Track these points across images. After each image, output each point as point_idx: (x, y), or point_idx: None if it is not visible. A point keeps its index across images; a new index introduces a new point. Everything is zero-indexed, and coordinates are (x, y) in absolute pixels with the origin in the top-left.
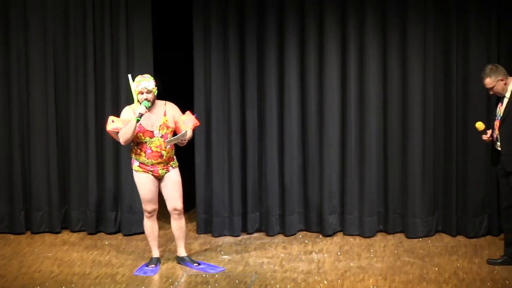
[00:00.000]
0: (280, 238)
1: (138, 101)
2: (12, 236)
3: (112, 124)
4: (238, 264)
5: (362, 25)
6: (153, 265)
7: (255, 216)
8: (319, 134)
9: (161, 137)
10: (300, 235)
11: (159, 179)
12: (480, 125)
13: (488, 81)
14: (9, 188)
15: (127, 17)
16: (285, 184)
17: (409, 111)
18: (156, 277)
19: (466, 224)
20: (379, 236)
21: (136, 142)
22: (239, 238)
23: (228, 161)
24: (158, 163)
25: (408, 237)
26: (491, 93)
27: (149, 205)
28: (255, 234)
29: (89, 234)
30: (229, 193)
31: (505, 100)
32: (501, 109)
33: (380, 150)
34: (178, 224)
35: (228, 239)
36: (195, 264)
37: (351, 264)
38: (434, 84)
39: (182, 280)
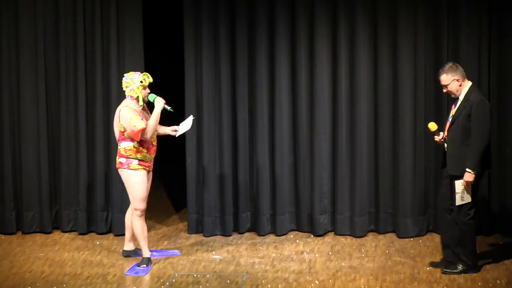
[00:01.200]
0: (271, 238)
1: (142, 97)
2: (3, 236)
3: (139, 124)
4: (229, 264)
5: (352, 24)
6: (144, 265)
7: (246, 216)
8: (310, 134)
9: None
10: (291, 235)
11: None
12: (432, 126)
13: (444, 78)
14: (0, 188)
15: (118, 16)
16: (276, 184)
17: (400, 111)
18: (147, 277)
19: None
20: (370, 236)
21: (140, 141)
22: (230, 238)
23: (219, 161)
24: (153, 158)
25: (399, 237)
26: (444, 91)
27: (143, 203)
28: (246, 234)
29: (80, 234)
30: (220, 193)
31: (458, 103)
32: (453, 111)
33: (371, 150)
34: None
35: (219, 239)
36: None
37: (342, 264)
38: (425, 83)
39: (173, 280)
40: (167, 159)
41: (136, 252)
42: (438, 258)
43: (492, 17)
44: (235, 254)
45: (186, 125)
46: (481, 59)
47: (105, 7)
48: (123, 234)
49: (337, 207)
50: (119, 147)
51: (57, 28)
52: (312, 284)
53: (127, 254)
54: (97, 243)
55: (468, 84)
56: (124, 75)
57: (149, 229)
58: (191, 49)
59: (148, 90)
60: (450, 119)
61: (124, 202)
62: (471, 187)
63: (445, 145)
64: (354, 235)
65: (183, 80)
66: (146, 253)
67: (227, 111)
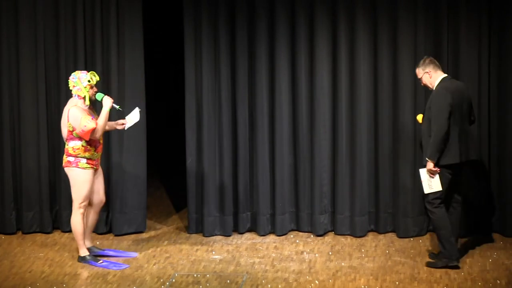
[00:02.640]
0: (271, 238)
1: (89, 96)
2: (3, 236)
3: (89, 124)
4: (229, 264)
5: (352, 24)
6: (101, 261)
7: (246, 215)
8: (310, 133)
9: None
10: (291, 235)
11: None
12: (420, 118)
13: (417, 72)
14: (0, 188)
15: (118, 16)
16: (276, 184)
17: (400, 110)
18: (147, 277)
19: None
20: (370, 236)
21: (89, 139)
22: (230, 237)
23: (219, 161)
24: (100, 156)
25: (399, 236)
26: (422, 84)
27: (87, 201)
28: (246, 234)
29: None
30: (220, 193)
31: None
32: None
33: (371, 150)
34: (97, 218)
35: (219, 238)
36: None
37: (342, 264)
38: None
39: (173, 280)
40: (168, 158)
41: (92, 250)
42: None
43: (492, 17)
44: (235, 254)
45: (133, 118)
46: (481, 59)
47: (105, 7)
48: (123, 234)
49: (337, 207)
50: (66, 146)
51: (57, 28)
52: (312, 284)
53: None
54: (97, 243)
55: (440, 76)
56: (72, 74)
57: (149, 229)
58: (191, 49)
59: (95, 89)
60: None
61: (125, 202)
62: (439, 177)
63: None
64: (354, 235)
65: (183, 80)
66: (82, 252)
67: (227, 111)
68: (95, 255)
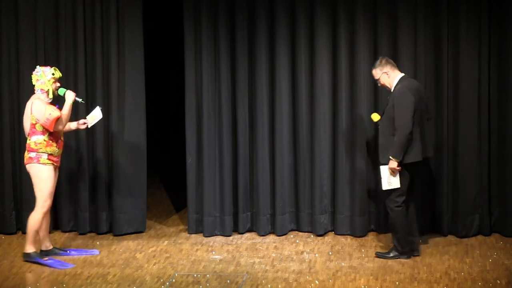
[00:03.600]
0: (271, 238)
1: (52, 90)
2: (3, 236)
3: (54, 112)
4: (229, 264)
5: (352, 24)
6: (45, 258)
7: (246, 216)
8: (310, 133)
9: None
10: (291, 235)
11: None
12: (375, 117)
13: (374, 72)
14: (0, 188)
15: (118, 15)
16: (276, 184)
17: None
18: (147, 277)
19: (457, 223)
20: (370, 236)
21: (49, 133)
22: (230, 238)
23: (219, 161)
24: (61, 153)
25: None
26: (379, 85)
27: (50, 199)
28: (246, 234)
29: (80, 234)
30: (220, 193)
31: (390, 96)
32: None
33: (371, 150)
34: (48, 218)
35: (219, 239)
36: (45, 258)
37: (343, 264)
38: (425, 83)
39: (173, 280)
40: (168, 158)
41: (54, 251)
42: (438, 258)
43: (492, 17)
44: (235, 254)
45: (95, 116)
46: (481, 59)
47: (105, 7)
48: (123, 234)
49: (337, 207)
50: (28, 141)
51: (57, 28)
52: (312, 284)
53: (46, 254)
54: (97, 243)
55: (398, 76)
56: (36, 67)
57: (149, 229)
58: (191, 49)
59: (58, 84)
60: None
61: (125, 202)
62: (399, 175)
63: None
64: (354, 235)
65: (183, 79)
66: (29, 249)
67: (227, 111)
68: (58, 256)
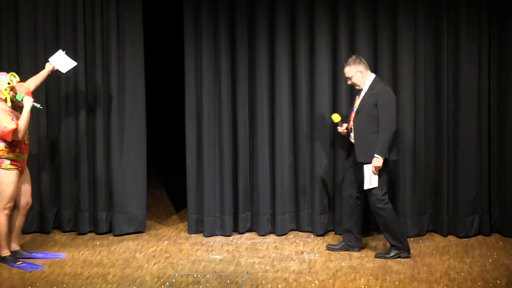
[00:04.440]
0: (271, 238)
1: (10, 98)
2: None
3: (9, 125)
4: (229, 264)
5: (353, 24)
6: (19, 262)
7: (246, 216)
8: (310, 133)
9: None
10: (291, 234)
11: (20, 174)
12: (336, 117)
13: (347, 70)
14: None
15: (118, 15)
16: (276, 184)
17: (400, 110)
18: (147, 277)
19: (457, 224)
20: (370, 236)
21: (11, 140)
22: (230, 238)
23: (219, 161)
24: (25, 157)
25: None
26: (349, 83)
27: (12, 202)
28: (246, 234)
29: (80, 234)
30: (220, 193)
31: (362, 93)
32: (357, 101)
33: None
34: (23, 220)
35: (219, 239)
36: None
37: (343, 264)
38: (425, 83)
39: (173, 280)
40: (168, 158)
41: (20, 253)
42: (438, 258)
43: (492, 17)
44: (235, 254)
45: (61, 61)
46: (481, 59)
47: (105, 6)
48: (123, 234)
49: (337, 207)
50: None
51: (57, 28)
52: (312, 284)
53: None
54: (97, 243)
55: (371, 76)
56: None
57: (148, 229)
58: (191, 48)
59: (16, 90)
60: (355, 109)
61: (125, 202)
62: (380, 173)
63: (351, 135)
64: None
65: (183, 79)
66: (4, 252)
67: (227, 111)
68: (23, 258)
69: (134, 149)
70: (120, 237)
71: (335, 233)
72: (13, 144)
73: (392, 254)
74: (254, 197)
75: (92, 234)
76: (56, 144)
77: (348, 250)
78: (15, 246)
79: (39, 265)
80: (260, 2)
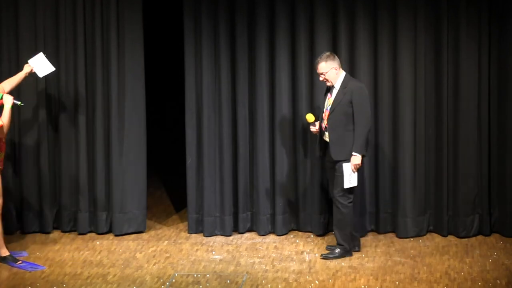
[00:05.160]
0: (271, 237)
1: None
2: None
3: None
4: (229, 264)
5: (353, 23)
6: (19, 262)
7: (246, 215)
8: (310, 133)
9: None
10: (291, 234)
11: None
12: (310, 117)
13: (322, 66)
14: None
15: (118, 15)
16: (276, 184)
17: (400, 110)
18: (147, 277)
19: (457, 224)
20: (370, 236)
21: None
22: (231, 238)
23: (219, 161)
24: (3, 156)
25: (399, 237)
26: (321, 79)
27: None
28: (247, 234)
29: (80, 234)
30: (220, 193)
31: (335, 91)
32: (330, 100)
33: (371, 150)
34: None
35: (219, 239)
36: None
37: (343, 264)
38: (425, 83)
39: (173, 280)
40: (168, 158)
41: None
42: (438, 258)
43: (492, 17)
44: (235, 254)
45: (41, 64)
46: (481, 59)
47: (105, 6)
48: (123, 234)
49: None
50: None
51: (57, 28)
52: (312, 284)
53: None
54: (97, 243)
55: (342, 73)
56: None
57: (148, 229)
58: (191, 47)
59: None
60: (328, 108)
61: (125, 202)
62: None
63: (326, 133)
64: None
65: (183, 78)
66: (4, 252)
67: (227, 111)
68: None
69: (134, 149)
70: (120, 237)
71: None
72: None
73: (336, 253)
74: (254, 196)
75: (92, 234)
76: (56, 144)
77: (326, 253)
78: (4, 252)
79: (39, 265)
80: (260, 1)
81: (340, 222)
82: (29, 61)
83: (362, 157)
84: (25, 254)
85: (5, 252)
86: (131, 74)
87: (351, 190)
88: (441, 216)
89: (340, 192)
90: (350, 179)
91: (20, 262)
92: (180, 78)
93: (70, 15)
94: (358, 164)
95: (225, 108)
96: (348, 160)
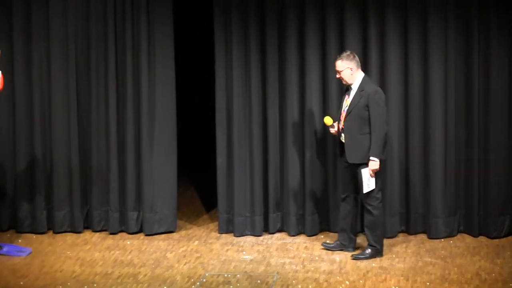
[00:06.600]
0: (301, 238)
1: None
2: (34, 236)
3: None
4: (259, 264)
5: (383, 23)
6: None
7: (276, 216)
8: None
9: None
10: (321, 235)
11: None
12: (328, 120)
13: (339, 64)
14: (31, 187)
15: (148, 16)
16: (306, 184)
17: (431, 111)
18: (177, 277)
19: (488, 224)
20: (400, 237)
21: None
22: (261, 238)
23: (250, 161)
24: None
25: (430, 237)
26: (337, 76)
27: None
28: (277, 234)
29: (111, 233)
30: (250, 193)
31: (352, 93)
32: (347, 101)
33: (401, 150)
34: None
35: (249, 239)
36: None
37: (373, 264)
38: (455, 84)
39: (204, 280)
40: (198, 158)
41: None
42: (469, 259)
43: None
44: (265, 254)
45: None
46: None
47: (135, 7)
48: (154, 234)
49: None
50: None
51: (88, 26)
52: (343, 285)
53: None
54: (128, 243)
55: (361, 75)
56: None
57: (179, 229)
58: (221, 49)
59: None
60: (345, 110)
61: (155, 201)
62: (375, 174)
63: (342, 135)
64: (384, 235)
65: (214, 80)
66: None
67: (257, 112)
68: None
69: (165, 149)
70: (150, 237)
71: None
72: None
73: (367, 254)
74: (285, 197)
75: (123, 234)
76: (87, 144)
77: (342, 250)
78: None
79: (24, 247)
80: (290, 3)
81: (371, 223)
82: None
83: (380, 161)
84: (29, 250)
85: None
86: (161, 74)
87: (379, 190)
88: (472, 217)
89: (367, 194)
90: (368, 183)
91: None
92: (211, 77)
93: (101, 15)
94: (376, 169)
95: (255, 109)
96: (363, 163)
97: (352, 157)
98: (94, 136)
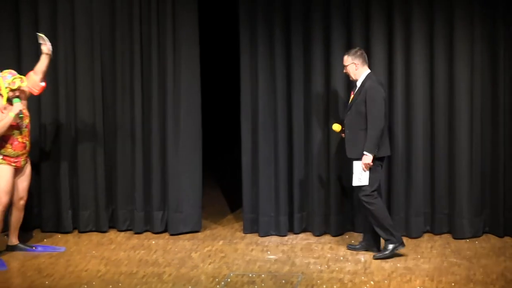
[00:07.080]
0: (326, 238)
1: (7, 97)
2: (59, 235)
3: None
4: (284, 264)
5: (408, 26)
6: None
7: (301, 216)
8: None
9: (26, 127)
10: (346, 235)
11: (17, 170)
12: (336, 127)
13: (345, 58)
14: (56, 187)
15: (174, 15)
16: (331, 185)
17: (456, 111)
18: (202, 276)
19: None
20: (425, 237)
21: (1, 136)
22: (286, 238)
23: (275, 161)
24: (22, 154)
25: (455, 238)
26: (344, 71)
27: (6, 197)
28: (302, 234)
29: (136, 233)
30: (275, 193)
31: (355, 89)
32: (352, 97)
33: (427, 150)
34: (20, 215)
35: (274, 239)
36: (33, 248)
37: (398, 265)
38: (481, 83)
39: (229, 279)
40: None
41: (19, 248)
42: (494, 259)
43: None
44: (290, 254)
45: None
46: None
47: (161, 6)
48: (179, 234)
49: (392, 207)
50: None
51: (114, 27)
52: (368, 285)
53: (12, 249)
54: (153, 242)
55: (366, 71)
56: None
57: (204, 229)
58: (246, 49)
59: (16, 93)
60: (348, 105)
61: (181, 201)
62: (370, 170)
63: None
64: (409, 235)
65: (239, 79)
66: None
67: (282, 111)
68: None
69: (190, 149)
70: (175, 237)
71: None
72: (3, 140)
73: (389, 250)
74: (309, 197)
75: (148, 233)
76: (112, 143)
77: (367, 250)
78: (14, 241)
79: (58, 247)
80: (315, 3)
81: (374, 220)
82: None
83: (377, 158)
84: (63, 249)
85: (16, 241)
86: (187, 74)
87: (374, 189)
88: (497, 217)
89: (362, 192)
90: (360, 177)
91: (34, 247)
92: (236, 77)
93: (126, 15)
94: (368, 164)
95: (280, 109)
96: (359, 158)
97: (350, 152)
98: (119, 135)
